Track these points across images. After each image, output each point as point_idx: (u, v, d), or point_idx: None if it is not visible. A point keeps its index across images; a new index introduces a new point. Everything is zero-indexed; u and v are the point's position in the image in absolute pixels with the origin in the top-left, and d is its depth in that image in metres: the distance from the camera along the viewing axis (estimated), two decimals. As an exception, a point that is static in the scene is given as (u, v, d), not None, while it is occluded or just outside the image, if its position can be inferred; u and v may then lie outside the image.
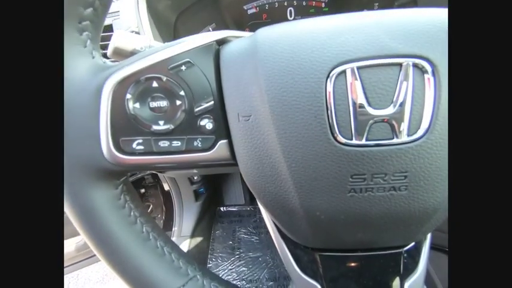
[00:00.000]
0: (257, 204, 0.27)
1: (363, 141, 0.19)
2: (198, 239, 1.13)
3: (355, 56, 0.19)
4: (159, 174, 0.95)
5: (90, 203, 0.24)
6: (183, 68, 0.22)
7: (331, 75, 0.19)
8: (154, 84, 0.22)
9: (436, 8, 0.20)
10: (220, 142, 0.23)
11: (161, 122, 0.23)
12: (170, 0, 0.53)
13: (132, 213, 0.26)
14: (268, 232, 0.27)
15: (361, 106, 0.19)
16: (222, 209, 1.31)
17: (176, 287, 0.26)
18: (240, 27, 0.68)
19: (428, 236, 0.26)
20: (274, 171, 0.21)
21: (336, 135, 0.20)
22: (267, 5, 0.67)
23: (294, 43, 0.20)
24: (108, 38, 0.32)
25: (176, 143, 0.23)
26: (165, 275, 0.26)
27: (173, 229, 1.11)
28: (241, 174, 0.24)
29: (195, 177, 1.10)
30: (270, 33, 0.22)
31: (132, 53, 0.29)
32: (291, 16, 0.68)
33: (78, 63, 0.23)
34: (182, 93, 0.22)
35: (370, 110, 0.19)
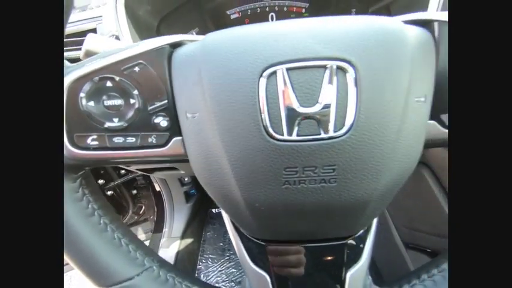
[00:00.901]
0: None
1: (293, 137, 0.21)
2: (188, 241, 1.14)
3: (284, 58, 0.21)
4: (150, 175, 0.96)
5: None
6: (136, 69, 0.24)
7: (263, 76, 0.21)
8: (109, 83, 0.24)
9: (369, 16, 0.22)
10: (174, 139, 0.25)
11: (115, 119, 0.24)
12: (150, 5, 0.54)
13: (89, 206, 0.28)
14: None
15: (291, 104, 0.21)
16: (213, 210, 1.31)
17: (130, 276, 0.27)
18: (224, 32, 0.69)
19: (373, 228, 0.27)
20: (218, 166, 0.23)
21: (269, 131, 0.21)
22: (249, 10, 0.69)
23: (233, 46, 0.22)
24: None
25: (131, 139, 0.25)
26: (119, 265, 0.27)
27: (163, 230, 1.12)
28: None
29: (186, 179, 1.11)
30: (216, 37, 0.23)
31: None
32: (272, 21, 0.70)
33: None
34: (136, 92, 0.24)
35: (299, 108, 0.21)
